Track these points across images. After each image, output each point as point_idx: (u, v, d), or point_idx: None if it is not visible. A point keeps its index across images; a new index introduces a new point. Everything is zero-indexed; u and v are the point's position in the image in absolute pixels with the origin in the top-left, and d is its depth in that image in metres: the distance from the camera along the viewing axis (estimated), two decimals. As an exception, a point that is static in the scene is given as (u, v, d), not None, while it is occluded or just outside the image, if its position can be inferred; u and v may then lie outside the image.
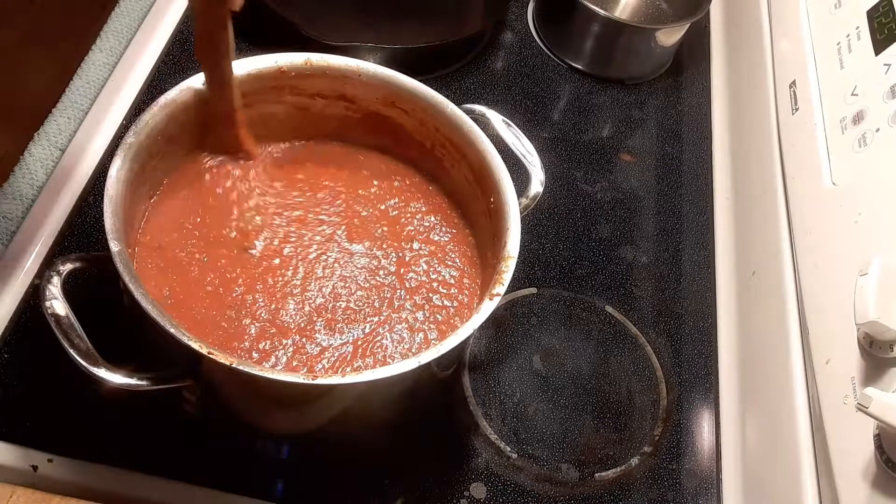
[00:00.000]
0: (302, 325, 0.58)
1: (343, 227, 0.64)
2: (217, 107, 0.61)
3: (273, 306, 0.59)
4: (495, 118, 0.66)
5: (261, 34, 0.82)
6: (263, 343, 0.57)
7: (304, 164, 0.68)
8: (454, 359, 0.66)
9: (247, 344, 0.57)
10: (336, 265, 0.62)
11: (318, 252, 0.63)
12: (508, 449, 0.66)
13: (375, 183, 0.68)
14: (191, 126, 0.62)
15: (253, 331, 0.57)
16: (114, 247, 0.51)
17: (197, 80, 0.61)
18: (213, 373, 0.52)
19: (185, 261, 0.59)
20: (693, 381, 0.74)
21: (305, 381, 0.49)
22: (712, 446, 0.71)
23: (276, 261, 0.61)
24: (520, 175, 0.63)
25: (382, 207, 0.67)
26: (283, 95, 0.66)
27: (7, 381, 0.62)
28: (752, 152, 0.87)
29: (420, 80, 0.65)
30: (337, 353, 0.58)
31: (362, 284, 0.62)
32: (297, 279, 0.61)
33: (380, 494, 0.63)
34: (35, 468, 0.59)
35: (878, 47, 0.68)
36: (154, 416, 0.59)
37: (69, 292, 0.52)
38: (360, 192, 0.67)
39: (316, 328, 0.59)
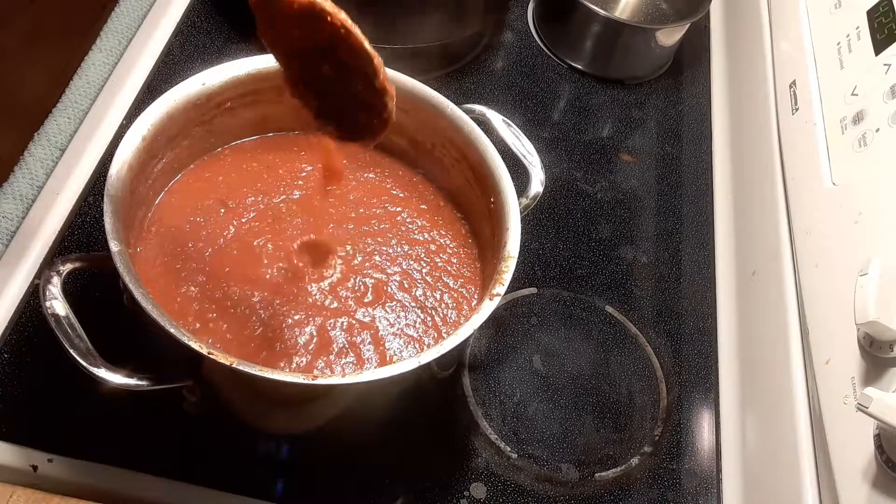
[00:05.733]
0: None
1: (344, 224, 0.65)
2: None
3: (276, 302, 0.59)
4: (495, 118, 0.66)
5: (261, 34, 0.81)
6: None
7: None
8: (454, 359, 0.66)
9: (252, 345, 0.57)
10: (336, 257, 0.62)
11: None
12: (508, 449, 0.66)
13: (376, 182, 0.68)
14: (191, 125, 0.62)
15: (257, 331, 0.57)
16: (114, 247, 0.51)
17: (197, 81, 0.60)
18: (213, 373, 0.52)
19: (187, 257, 0.60)
20: (693, 381, 0.74)
21: (305, 381, 0.49)
22: (712, 446, 0.71)
23: (279, 253, 0.61)
24: (520, 175, 0.63)
25: (383, 206, 0.67)
26: (284, 95, 0.65)
27: (7, 381, 0.62)
28: (752, 152, 0.87)
29: (420, 80, 0.65)
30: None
31: (367, 276, 0.62)
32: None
33: (380, 494, 0.63)
34: (35, 468, 0.59)
35: (878, 47, 0.68)
36: (154, 416, 0.59)
37: (69, 292, 0.52)
38: (360, 190, 0.67)
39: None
